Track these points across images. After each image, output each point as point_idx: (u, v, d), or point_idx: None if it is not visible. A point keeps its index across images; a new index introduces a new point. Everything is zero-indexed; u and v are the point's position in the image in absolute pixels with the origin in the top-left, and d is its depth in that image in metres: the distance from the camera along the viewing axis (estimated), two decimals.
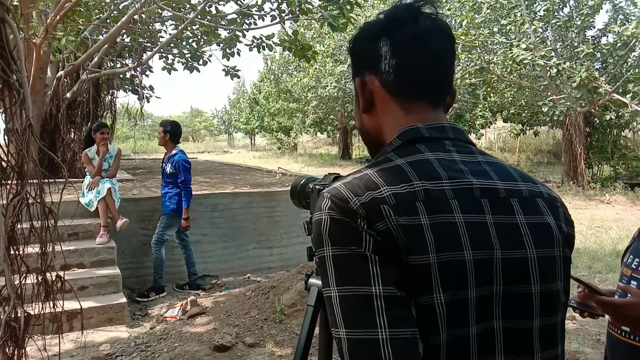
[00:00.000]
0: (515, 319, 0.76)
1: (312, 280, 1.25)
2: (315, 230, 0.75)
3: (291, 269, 6.25)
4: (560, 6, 14.27)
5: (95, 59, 8.53)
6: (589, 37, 15.04)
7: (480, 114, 23.28)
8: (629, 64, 13.26)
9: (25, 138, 2.49)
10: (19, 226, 2.63)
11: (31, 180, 2.63)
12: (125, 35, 9.48)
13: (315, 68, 20.17)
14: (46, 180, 2.76)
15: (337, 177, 1.25)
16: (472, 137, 28.49)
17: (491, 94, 15.69)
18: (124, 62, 9.80)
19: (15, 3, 5.75)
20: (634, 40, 11.91)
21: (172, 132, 5.42)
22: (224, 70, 9.54)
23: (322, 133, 33.35)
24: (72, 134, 8.60)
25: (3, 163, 2.59)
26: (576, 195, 13.54)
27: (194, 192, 5.62)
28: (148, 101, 9.66)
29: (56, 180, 2.94)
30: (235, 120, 40.25)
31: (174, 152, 5.40)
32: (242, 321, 4.11)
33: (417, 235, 0.70)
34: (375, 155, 0.94)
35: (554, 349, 0.80)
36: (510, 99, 15.96)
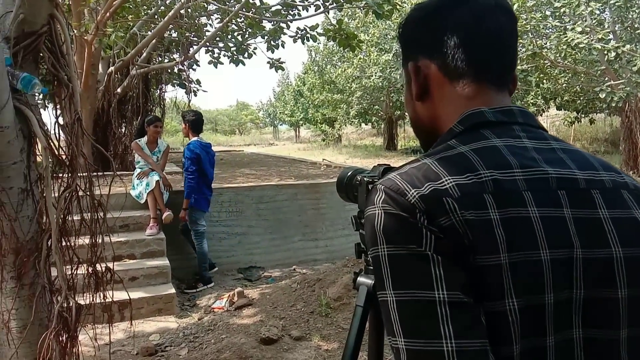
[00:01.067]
0: (598, 328, 0.66)
1: (361, 279, 1.17)
2: (368, 227, 0.67)
3: (337, 262, 6.21)
4: None
5: (144, 54, 8.71)
6: None
7: (532, 101, 22.36)
8: None
9: (75, 132, 2.52)
10: (69, 218, 2.68)
11: (81, 174, 2.67)
12: (172, 30, 9.66)
13: (360, 58, 19.95)
14: (96, 174, 2.80)
15: (388, 168, 1.16)
16: None
17: (544, 81, 15.06)
18: (171, 57, 9.98)
19: (67, 2, 5.93)
20: None
21: (192, 121, 5.28)
22: (268, 62, 9.54)
23: (366, 124, 33.10)
24: (124, 128, 8.83)
25: (55, 157, 2.65)
26: None
27: (241, 184, 5.64)
28: (195, 95, 9.82)
29: (105, 173, 2.99)
30: (280, 112, 40.51)
31: (190, 142, 5.27)
32: (288, 314, 4.09)
33: (486, 231, 0.62)
34: (428, 145, 0.85)
35: None
36: (564, 85, 15.25)
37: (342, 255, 6.36)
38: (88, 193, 2.70)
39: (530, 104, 23.03)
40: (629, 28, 13.59)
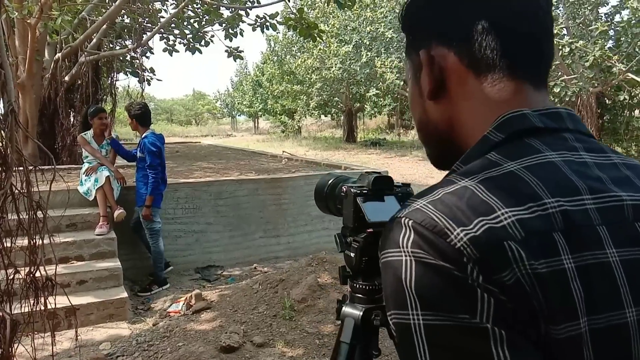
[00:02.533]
0: None
1: (346, 310, 0.99)
2: (391, 280, 0.48)
3: (299, 259, 6.03)
4: None
5: (94, 40, 8.22)
6: (602, 15, 14.59)
7: None
8: None
9: (8, 125, 2.22)
10: (4, 220, 2.39)
11: (18, 171, 2.38)
12: (124, 16, 9.16)
13: (320, 49, 19.76)
14: (34, 170, 2.50)
15: (379, 177, 0.98)
16: None
17: None
18: (123, 44, 9.49)
19: None
20: None
21: (138, 116, 4.92)
22: (226, 51, 9.22)
23: (325, 116, 33.00)
24: (72, 118, 8.33)
25: None
26: None
27: (198, 180, 5.36)
28: (149, 84, 9.35)
29: (50, 167, 2.69)
30: (238, 103, 39.83)
31: (145, 134, 4.93)
32: (250, 317, 3.88)
33: (562, 289, 0.45)
34: (441, 156, 0.67)
35: None
36: None
37: (305, 252, 6.19)
38: (25, 193, 2.41)
39: None
40: (581, 24, 13.94)
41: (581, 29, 13.94)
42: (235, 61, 9.48)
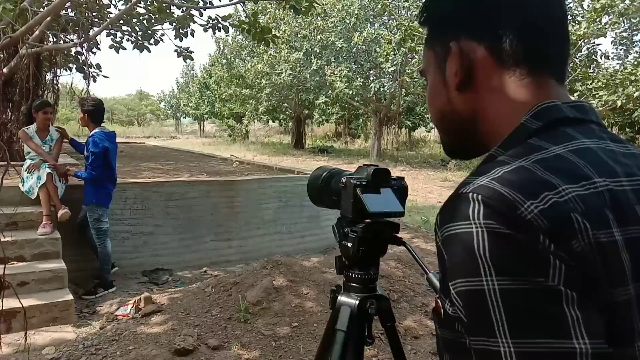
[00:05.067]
0: None
1: (342, 299, 1.01)
2: (460, 251, 0.51)
3: (250, 263, 5.99)
4: None
5: (37, 32, 7.83)
6: None
7: None
8: (576, 63, 13.71)
9: None
10: None
11: None
12: (69, 9, 8.78)
13: (270, 54, 19.75)
14: None
15: (378, 169, 1.02)
16: (423, 129, 29.00)
17: None
18: (69, 38, 9.09)
19: None
20: (582, 40, 12.29)
21: (91, 111, 4.71)
22: (176, 51, 9.03)
23: (274, 121, 32.93)
24: (9, 113, 7.88)
25: None
26: None
27: (147, 179, 5.22)
28: (95, 80, 9.01)
29: None
30: (183, 105, 39.00)
31: (93, 132, 4.72)
32: (203, 320, 3.82)
33: (616, 258, 0.50)
34: (458, 144, 0.72)
35: None
36: None
37: (256, 256, 6.15)
38: None
39: None
40: None
41: None
42: (185, 61, 9.31)
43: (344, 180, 1.00)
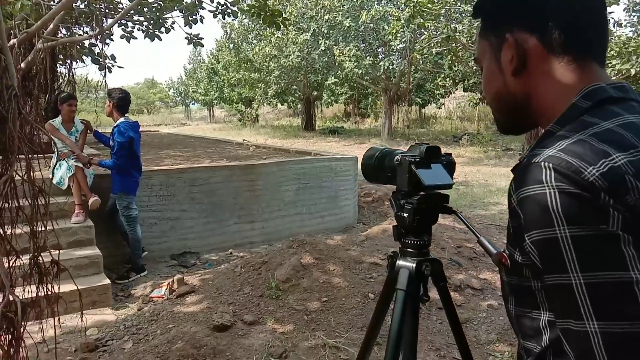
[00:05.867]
0: None
1: (400, 262, 1.14)
2: (534, 208, 0.64)
3: (274, 243, 6.16)
4: None
5: (51, 26, 7.94)
6: None
7: (441, 83, 23.44)
8: None
9: (12, 110, 2.23)
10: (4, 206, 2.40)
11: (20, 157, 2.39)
12: (80, 1, 8.86)
13: (277, 36, 19.69)
14: (32, 157, 2.51)
15: (431, 147, 1.13)
16: (433, 106, 28.85)
17: (456, 63, 15.76)
18: (84, 31, 9.18)
19: None
20: None
21: (119, 100, 4.94)
22: (186, 38, 9.09)
23: (282, 104, 32.94)
24: (29, 107, 8.04)
25: None
26: None
27: (171, 167, 5.37)
28: (110, 71, 9.12)
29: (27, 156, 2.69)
30: (192, 91, 39.07)
31: (118, 122, 4.91)
32: (236, 298, 3.98)
33: None
34: (509, 123, 0.83)
35: None
36: (474, 67, 16.08)
37: (278, 237, 6.32)
38: (26, 178, 2.43)
39: (440, 86, 24.14)
40: None
41: None
42: (195, 48, 9.39)
43: (399, 157, 1.11)
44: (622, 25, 13.51)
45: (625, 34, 13.22)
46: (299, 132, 24.74)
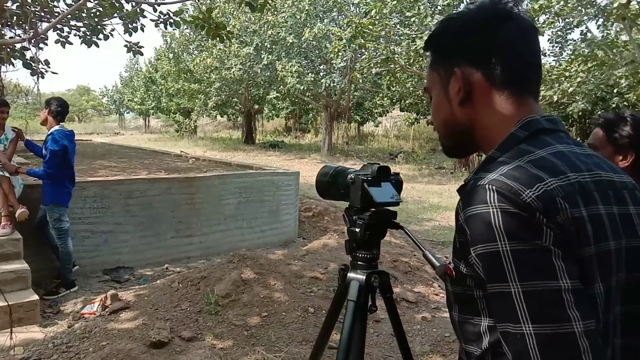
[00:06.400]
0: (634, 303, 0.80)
1: (351, 275, 1.20)
2: (479, 225, 0.71)
3: (212, 258, 6.07)
4: (459, 2, 15.15)
5: None
6: None
7: (379, 102, 24.12)
8: None
9: None
10: None
11: None
12: (12, 2, 8.43)
13: (219, 48, 19.55)
14: None
15: (381, 166, 1.20)
16: (371, 124, 29.58)
17: (394, 84, 16.31)
18: (16, 34, 8.73)
19: None
20: None
21: (58, 107, 4.73)
22: (126, 46, 8.86)
23: (222, 116, 32.60)
24: None
25: None
26: None
27: (106, 178, 5.18)
28: (43, 77, 8.70)
29: None
30: (128, 99, 37.84)
31: (52, 130, 4.69)
32: (174, 315, 3.89)
33: (583, 227, 0.71)
34: (454, 147, 0.91)
35: None
36: (410, 89, 16.70)
37: (218, 252, 6.23)
38: None
39: (378, 105, 24.84)
40: None
41: None
42: (134, 57, 9.19)
43: (352, 176, 1.18)
44: (546, 54, 14.53)
45: (549, 63, 14.24)
46: (239, 145, 24.56)
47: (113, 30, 9.05)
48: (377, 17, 13.67)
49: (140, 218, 5.69)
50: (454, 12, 0.92)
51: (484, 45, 0.84)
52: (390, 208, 1.19)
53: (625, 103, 14.66)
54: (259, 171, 7.00)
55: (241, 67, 19.50)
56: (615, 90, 13.75)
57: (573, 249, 0.70)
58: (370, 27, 13.22)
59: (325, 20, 19.87)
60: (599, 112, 2.33)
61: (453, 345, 3.68)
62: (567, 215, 0.70)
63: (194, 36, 22.66)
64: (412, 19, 14.08)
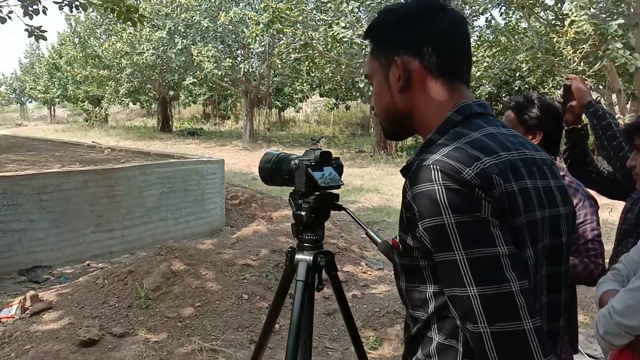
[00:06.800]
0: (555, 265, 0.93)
1: (299, 256, 1.26)
2: (426, 202, 0.79)
3: (136, 252, 5.89)
4: None
5: None
6: None
7: (299, 88, 24.20)
8: None
9: None
10: None
11: None
12: None
13: (130, 32, 18.63)
14: None
15: (324, 152, 1.26)
16: (291, 110, 29.63)
17: (313, 69, 16.42)
18: None
19: None
20: None
21: None
22: (27, 30, 8.22)
23: (134, 104, 31.16)
24: None
25: None
26: (387, 162, 15.17)
27: (16, 173, 4.86)
28: None
29: None
30: (30, 88, 35.03)
31: None
32: (102, 312, 3.76)
33: (515, 200, 0.81)
34: (394, 131, 1.00)
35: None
36: (329, 74, 16.90)
37: (141, 245, 6.05)
38: None
39: (298, 91, 24.93)
40: None
41: None
42: (37, 42, 8.63)
43: (297, 162, 1.23)
44: None
45: None
46: (155, 133, 23.65)
47: (11, 12, 8.37)
48: (294, 2, 13.66)
49: (56, 214, 5.39)
50: (391, 3, 0.99)
51: (421, 36, 0.92)
52: (333, 191, 1.26)
53: (526, 85, 15.82)
54: (181, 160, 6.85)
55: (154, 52, 18.73)
56: (517, 74, 14.79)
57: (507, 219, 0.80)
58: (287, 12, 13.18)
59: (241, 4, 19.51)
60: (509, 97, 2.55)
61: (382, 319, 3.87)
62: (501, 190, 0.79)
63: (101, 20, 21.40)
64: (329, 5, 14.20)
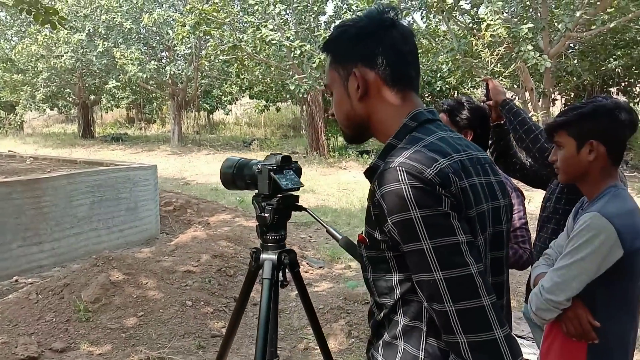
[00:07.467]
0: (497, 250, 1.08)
1: (264, 256, 1.33)
2: (394, 199, 0.90)
3: (68, 265, 5.64)
4: None
5: None
6: (322, 22, 16.95)
7: (228, 90, 23.87)
8: None
9: None
10: None
11: None
12: None
13: (45, 34, 17.60)
14: None
15: (285, 156, 1.34)
16: (220, 112, 29.20)
17: (243, 72, 16.32)
18: None
19: None
20: None
21: None
22: None
23: (52, 109, 29.43)
24: None
25: None
26: (320, 163, 15.38)
27: None
28: None
29: None
30: None
31: None
32: (38, 328, 3.61)
33: (467, 195, 0.94)
34: (355, 136, 1.11)
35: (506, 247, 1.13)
36: (259, 76, 16.87)
37: (73, 257, 5.81)
38: None
39: (227, 93, 24.59)
40: (307, 30, 15.94)
41: (307, 33, 15.95)
42: None
43: (259, 167, 1.31)
44: None
45: None
46: (76, 140, 22.48)
47: None
48: (221, 4, 13.53)
49: None
50: (347, 19, 1.10)
51: (376, 49, 1.03)
52: (293, 193, 1.35)
53: (447, 86, 16.61)
54: (111, 167, 6.62)
55: (73, 54, 17.83)
56: (438, 75, 15.50)
57: (463, 211, 0.93)
58: (214, 14, 13.04)
59: (164, 6, 19.01)
60: (441, 101, 2.74)
61: (327, 315, 3.99)
62: (457, 187, 0.92)
63: (12, 21, 20.08)
64: (256, 7, 14.19)
